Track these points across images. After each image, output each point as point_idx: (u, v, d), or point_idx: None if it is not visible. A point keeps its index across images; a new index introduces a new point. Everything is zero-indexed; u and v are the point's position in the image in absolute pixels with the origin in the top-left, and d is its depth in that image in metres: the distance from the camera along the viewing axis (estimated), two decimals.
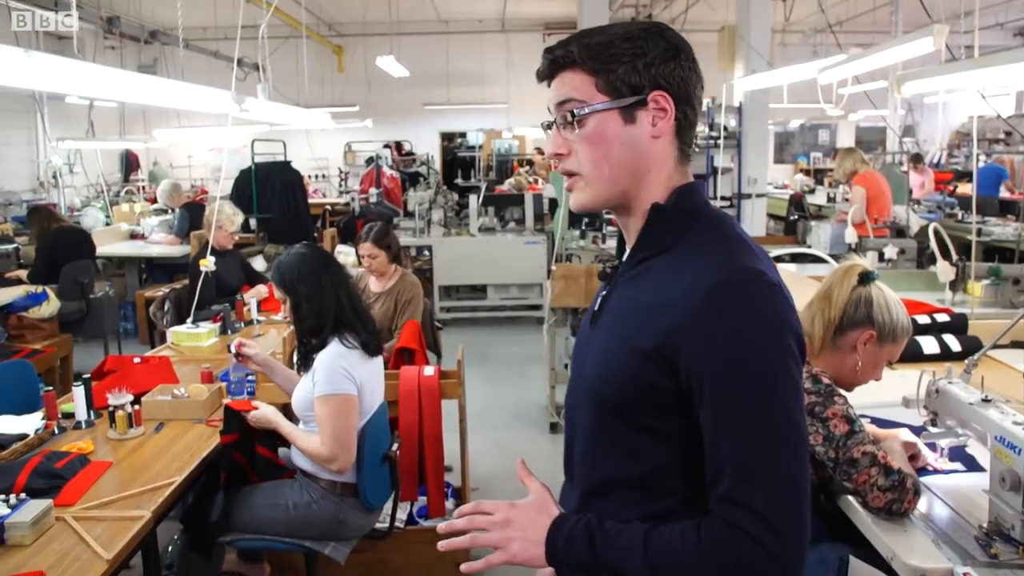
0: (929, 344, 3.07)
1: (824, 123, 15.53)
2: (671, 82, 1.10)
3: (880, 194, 5.93)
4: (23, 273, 6.01)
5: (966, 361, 2.07)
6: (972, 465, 2.06)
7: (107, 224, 8.46)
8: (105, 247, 7.22)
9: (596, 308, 1.21)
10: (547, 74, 1.15)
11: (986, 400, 1.83)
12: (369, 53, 12.11)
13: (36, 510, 2.05)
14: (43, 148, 10.71)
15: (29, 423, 2.75)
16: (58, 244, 6.01)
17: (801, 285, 3.93)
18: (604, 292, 1.21)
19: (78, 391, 2.83)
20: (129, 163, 12.88)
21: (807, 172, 14.01)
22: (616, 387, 1.10)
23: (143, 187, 11.30)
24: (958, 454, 2.11)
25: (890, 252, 5.02)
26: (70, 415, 2.87)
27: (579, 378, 1.21)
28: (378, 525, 2.81)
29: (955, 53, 4.19)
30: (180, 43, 5.09)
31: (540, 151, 13.55)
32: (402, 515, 3.12)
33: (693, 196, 1.14)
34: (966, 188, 10.38)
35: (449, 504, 3.26)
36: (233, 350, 2.76)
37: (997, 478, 1.69)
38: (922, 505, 1.86)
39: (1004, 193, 9.79)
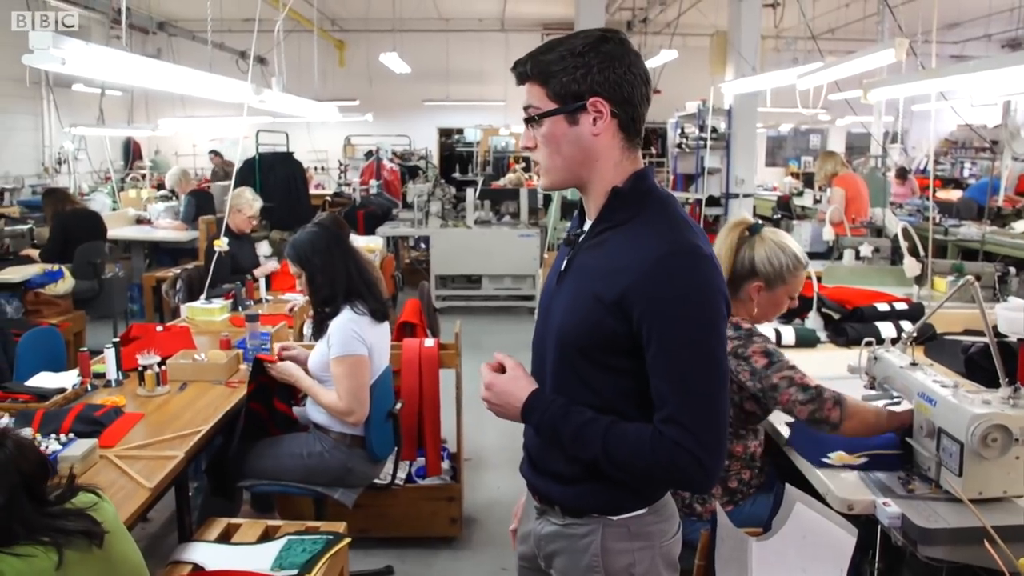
0: (887, 329, 3.37)
1: (816, 128, 15.87)
2: (605, 88, 1.35)
3: (858, 195, 6.23)
4: (35, 252, 6.26)
5: (903, 335, 2.38)
6: None
7: (114, 209, 8.71)
8: (113, 231, 7.44)
9: (562, 268, 1.48)
10: (519, 82, 1.43)
11: (913, 364, 2.13)
12: (371, 49, 12.41)
13: (84, 447, 2.32)
14: (48, 134, 10.94)
15: (66, 379, 3.03)
16: (72, 225, 6.27)
17: None
18: (568, 256, 1.48)
19: (109, 352, 3.10)
20: (131, 151, 13.13)
21: (796, 175, 14.32)
22: (581, 330, 1.39)
23: (145, 175, 11.55)
24: None
25: (865, 250, 5.31)
26: (100, 375, 3.14)
27: (547, 324, 1.49)
28: (381, 481, 3.11)
29: (939, 63, 4.48)
30: (209, 36, 5.32)
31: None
32: (402, 474, 3.41)
33: (645, 180, 1.42)
34: (949, 194, 10.71)
35: (445, 465, 3.54)
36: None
37: (918, 427, 1.99)
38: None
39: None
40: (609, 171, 1.41)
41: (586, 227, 1.48)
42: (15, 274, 5.43)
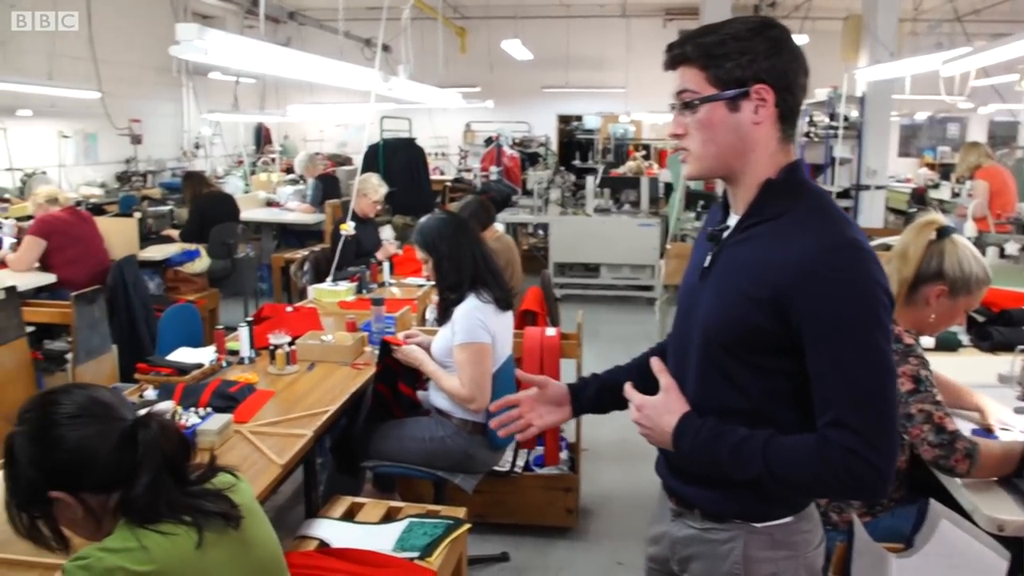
0: None
1: (954, 116, 14.94)
2: (771, 75, 1.29)
3: (1004, 188, 5.85)
4: (175, 232, 6.62)
5: None
6: None
7: (245, 191, 9.10)
8: (245, 212, 7.75)
9: (706, 265, 1.42)
10: (669, 66, 1.37)
11: None
12: (492, 35, 12.44)
13: (221, 421, 2.44)
14: (187, 120, 11.51)
15: (204, 355, 3.18)
16: (208, 207, 6.61)
17: None
18: (712, 251, 1.42)
19: (243, 331, 3.24)
20: (262, 136, 13.69)
21: (932, 166, 13.55)
22: (728, 327, 1.33)
23: (275, 159, 12.01)
24: None
25: (1011, 248, 4.98)
26: (234, 352, 3.28)
27: (689, 321, 1.43)
28: (500, 468, 3.13)
29: None
30: (340, 25, 5.47)
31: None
32: (520, 462, 3.42)
33: (798, 173, 1.36)
34: None
35: (563, 455, 3.54)
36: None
37: None
38: None
39: None
40: (763, 162, 1.35)
41: (731, 221, 1.42)
42: (157, 252, 5.75)
